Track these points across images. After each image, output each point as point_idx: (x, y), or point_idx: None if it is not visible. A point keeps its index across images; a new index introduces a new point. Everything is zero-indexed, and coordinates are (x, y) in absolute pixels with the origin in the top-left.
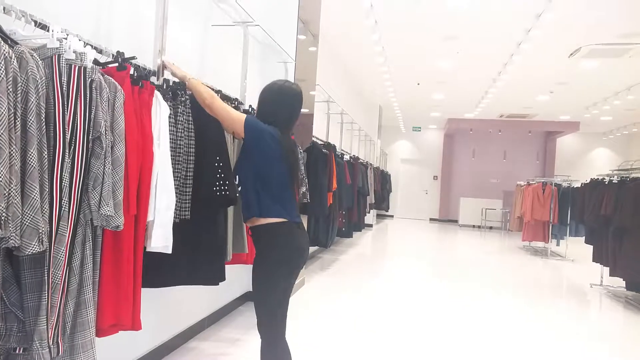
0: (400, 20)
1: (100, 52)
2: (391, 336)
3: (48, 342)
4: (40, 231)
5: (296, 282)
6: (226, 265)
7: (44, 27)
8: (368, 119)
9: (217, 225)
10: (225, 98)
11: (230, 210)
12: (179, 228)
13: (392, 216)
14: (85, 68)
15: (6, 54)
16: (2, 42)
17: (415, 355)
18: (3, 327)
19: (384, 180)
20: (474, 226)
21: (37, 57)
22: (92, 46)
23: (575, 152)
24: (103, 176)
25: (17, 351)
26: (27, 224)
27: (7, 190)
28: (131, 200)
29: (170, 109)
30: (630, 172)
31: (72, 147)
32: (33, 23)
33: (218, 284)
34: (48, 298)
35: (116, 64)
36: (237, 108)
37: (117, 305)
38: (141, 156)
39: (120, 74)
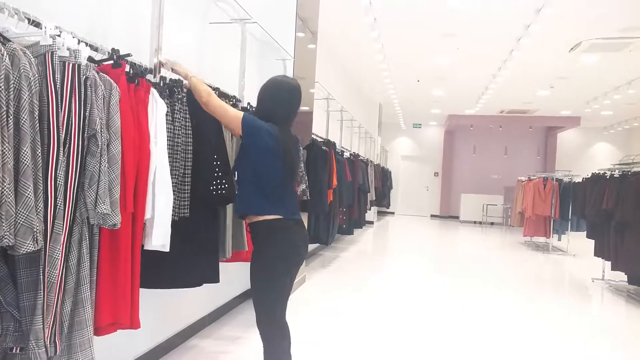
0: (399, 17)
1: (95, 50)
2: (392, 334)
3: (44, 342)
4: (35, 230)
5: (297, 280)
6: (226, 263)
7: (37, 24)
8: (368, 116)
9: (216, 223)
10: (223, 96)
11: (230, 207)
12: (177, 226)
13: (393, 213)
14: (79, 65)
15: None
16: None
17: (417, 353)
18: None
19: (384, 177)
20: (475, 222)
21: (30, 55)
22: (86, 43)
23: (576, 147)
24: (99, 174)
25: (14, 351)
26: (21, 222)
27: (0, 188)
28: (128, 198)
29: (167, 107)
30: (632, 166)
31: (67, 145)
32: (26, 21)
33: (219, 282)
34: (44, 297)
35: (111, 62)
36: (234, 106)
37: (115, 304)
38: (138, 154)
39: (116, 71)
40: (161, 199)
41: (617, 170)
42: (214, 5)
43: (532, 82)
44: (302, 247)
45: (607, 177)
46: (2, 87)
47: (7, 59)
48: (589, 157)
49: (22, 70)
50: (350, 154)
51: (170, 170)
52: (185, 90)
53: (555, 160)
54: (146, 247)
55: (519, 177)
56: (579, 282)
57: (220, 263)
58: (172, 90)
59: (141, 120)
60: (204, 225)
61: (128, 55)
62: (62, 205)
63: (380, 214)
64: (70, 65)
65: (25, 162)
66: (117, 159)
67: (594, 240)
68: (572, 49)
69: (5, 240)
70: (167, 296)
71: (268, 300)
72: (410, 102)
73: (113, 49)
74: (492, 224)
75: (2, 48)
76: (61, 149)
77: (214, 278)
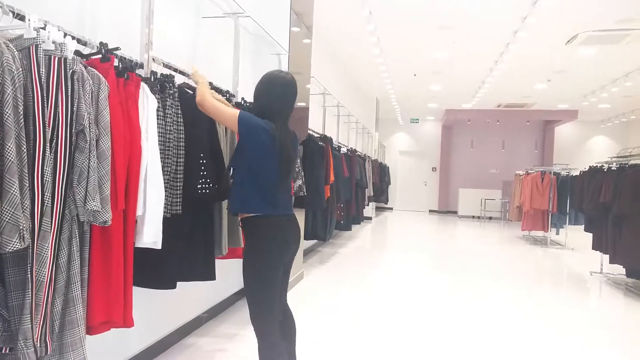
0: (395, 10)
1: (84, 44)
2: (391, 330)
3: (33, 342)
4: (21, 227)
5: (294, 276)
6: (223, 260)
7: (22, 18)
8: (365, 112)
9: (210, 220)
10: (216, 89)
11: (224, 203)
12: (171, 223)
13: (391, 209)
14: (65, 59)
15: None
16: None
17: (416, 349)
18: None
19: (382, 172)
20: (473, 217)
21: (14, 48)
22: (72, 37)
23: (573, 140)
24: (88, 170)
25: (3, 351)
26: (6, 220)
27: None
28: (119, 195)
29: (159, 102)
30: (629, 158)
31: (55, 141)
32: (11, 14)
33: (215, 279)
34: (32, 296)
35: (100, 56)
36: (228, 100)
37: (108, 302)
38: (129, 149)
39: (104, 65)
40: (153, 195)
41: (614, 163)
42: (207, 0)
43: (529, 76)
44: (292, 242)
45: (605, 170)
46: None
47: None
48: (587, 150)
49: (4, 64)
50: (348, 150)
51: (162, 166)
52: (176, 85)
53: (552, 154)
54: (137, 245)
55: (516, 171)
56: (577, 275)
57: (216, 260)
58: (163, 86)
59: (131, 116)
60: (198, 222)
61: (117, 49)
62: (50, 202)
63: (379, 209)
64: (56, 58)
65: (10, 158)
66: (107, 154)
67: (592, 234)
68: (568, 41)
69: None
70: (163, 294)
71: (260, 296)
72: (408, 96)
73: (101, 43)
74: (490, 218)
75: None
76: (47, 144)
77: (210, 275)
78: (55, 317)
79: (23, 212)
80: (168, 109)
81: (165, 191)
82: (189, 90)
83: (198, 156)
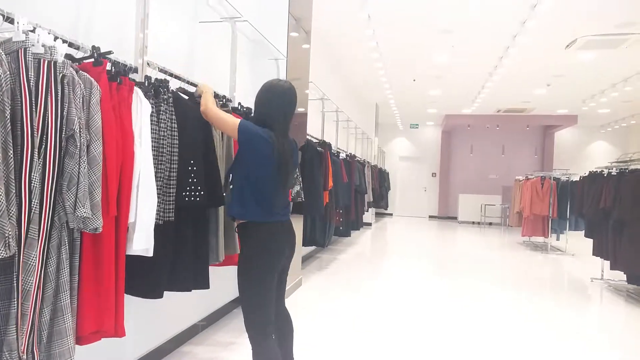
0: (394, 14)
1: (77, 48)
2: (391, 337)
3: (19, 353)
4: (7, 235)
5: (293, 283)
6: (219, 267)
7: (12, 21)
8: (365, 117)
9: (205, 227)
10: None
11: (221, 210)
12: (164, 230)
13: (391, 214)
14: (55, 62)
15: None
16: None
17: (416, 355)
18: None
19: (382, 178)
20: (473, 222)
21: (1, 51)
22: (63, 40)
23: (573, 145)
24: (78, 176)
25: None
26: None
27: None
28: (111, 201)
29: (153, 107)
30: (629, 164)
31: (44, 146)
32: (1, 17)
33: (208, 287)
34: (18, 306)
35: (92, 60)
36: (225, 105)
37: (99, 311)
38: (121, 155)
39: (97, 69)
40: (146, 202)
41: (614, 169)
42: (204, 4)
43: (529, 80)
44: (286, 247)
45: (605, 175)
46: None
47: None
48: (587, 155)
49: None
50: (347, 155)
51: (155, 172)
52: (171, 90)
53: (552, 159)
54: (128, 252)
55: (516, 176)
56: (578, 282)
57: (213, 267)
58: (157, 91)
59: (124, 121)
60: (191, 229)
61: (109, 52)
62: (37, 209)
63: (378, 215)
64: (46, 62)
65: None
66: (98, 160)
67: (592, 240)
68: (567, 46)
69: None
70: (157, 301)
71: (254, 302)
72: (407, 102)
73: (93, 47)
74: (490, 224)
75: None
76: (35, 149)
77: (204, 284)
78: (43, 327)
79: (9, 219)
80: (162, 114)
81: (158, 197)
82: (183, 95)
83: (188, 162)
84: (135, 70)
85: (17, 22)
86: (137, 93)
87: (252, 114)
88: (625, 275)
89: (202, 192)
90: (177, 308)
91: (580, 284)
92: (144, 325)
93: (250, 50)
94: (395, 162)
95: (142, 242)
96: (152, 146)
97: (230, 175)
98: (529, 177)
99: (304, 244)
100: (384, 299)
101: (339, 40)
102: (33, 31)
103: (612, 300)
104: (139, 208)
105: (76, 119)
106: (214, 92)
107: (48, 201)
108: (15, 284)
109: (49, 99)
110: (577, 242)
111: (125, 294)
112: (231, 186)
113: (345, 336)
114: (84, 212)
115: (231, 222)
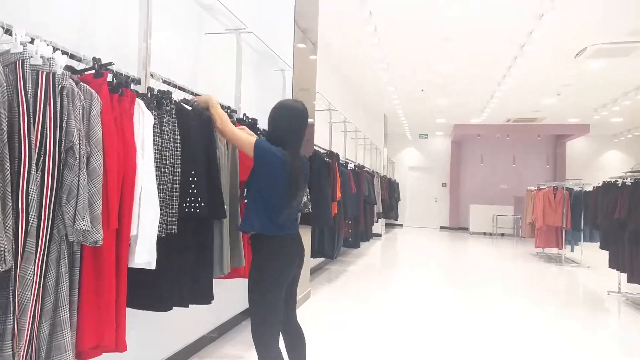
0: (401, 25)
1: (79, 60)
2: (402, 348)
3: None
4: (2, 249)
5: (301, 295)
6: (226, 280)
7: (11, 33)
8: (373, 127)
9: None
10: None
11: (226, 222)
12: (167, 243)
13: (401, 225)
14: (54, 74)
15: None
16: None
17: None
18: None
19: (391, 188)
20: (485, 233)
21: None
22: (62, 52)
23: (586, 155)
24: (78, 188)
25: None
26: None
27: None
28: (112, 214)
29: (155, 119)
30: None
31: (42, 158)
32: (0, 29)
33: (210, 303)
34: (14, 321)
35: (93, 71)
36: (230, 116)
37: (99, 326)
38: (123, 167)
39: (97, 81)
40: (148, 214)
41: (628, 178)
42: (209, 16)
43: (538, 90)
44: (296, 257)
45: (619, 185)
46: None
47: None
48: (600, 165)
49: None
50: (355, 166)
51: (158, 185)
52: (174, 101)
53: (565, 169)
54: (130, 265)
55: (528, 186)
56: (594, 295)
57: (219, 280)
58: (160, 102)
59: (126, 132)
60: (195, 242)
61: (110, 64)
62: (35, 222)
63: (389, 226)
64: (44, 73)
65: None
66: (99, 172)
67: (608, 251)
68: (577, 54)
69: None
70: (164, 314)
71: (263, 311)
72: (415, 112)
73: (94, 58)
74: (502, 235)
75: None
76: (33, 162)
77: (206, 299)
78: (42, 342)
79: (5, 232)
80: (165, 126)
81: (161, 210)
82: (186, 106)
83: (189, 173)
84: (138, 82)
85: (15, 34)
86: (139, 104)
87: (266, 133)
88: None
89: (202, 204)
90: (184, 320)
91: (597, 297)
92: (149, 339)
93: (255, 61)
94: (404, 173)
95: (144, 255)
96: (155, 158)
97: (245, 189)
98: (541, 187)
99: (312, 255)
100: (394, 310)
101: (346, 51)
102: (32, 42)
103: (630, 314)
104: (141, 220)
105: (75, 130)
106: (221, 104)
107: (46, 214)
108: (11, 299)
109: (48, 110)
110: (592, 254)
111: (130, 308)
112: (246, 200)
113: (355, 348)
114: (84, 225)
115: (237, 234)
